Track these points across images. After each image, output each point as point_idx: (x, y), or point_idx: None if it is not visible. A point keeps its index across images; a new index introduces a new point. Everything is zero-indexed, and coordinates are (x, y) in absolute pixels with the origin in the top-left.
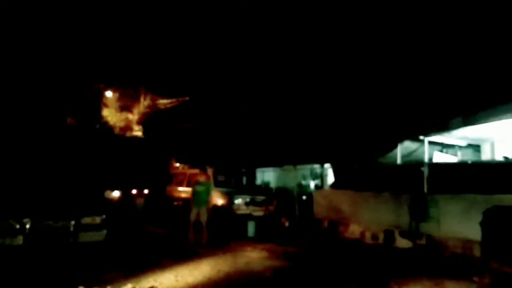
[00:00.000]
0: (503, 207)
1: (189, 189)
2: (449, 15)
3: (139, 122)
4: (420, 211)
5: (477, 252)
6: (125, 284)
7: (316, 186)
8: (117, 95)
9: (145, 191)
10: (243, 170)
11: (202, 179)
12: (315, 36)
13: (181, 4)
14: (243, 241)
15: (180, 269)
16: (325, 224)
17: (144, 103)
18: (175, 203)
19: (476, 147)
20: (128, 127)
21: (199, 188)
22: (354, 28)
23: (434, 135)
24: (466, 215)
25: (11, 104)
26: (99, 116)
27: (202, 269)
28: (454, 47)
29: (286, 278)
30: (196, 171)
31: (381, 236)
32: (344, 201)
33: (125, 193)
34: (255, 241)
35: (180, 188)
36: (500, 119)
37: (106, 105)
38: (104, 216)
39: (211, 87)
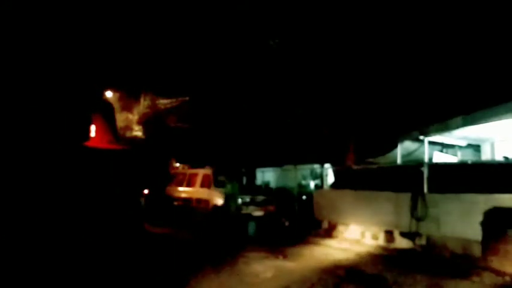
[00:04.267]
0: (503, 208)
1: (189, 189)
2: (448, 14)
3: (139, 122)
4: (420, 211)
5: (477, 252)
6: None
7: (316, 186)
8: (117, 95)
9: (145, 191)
10: (243, 170)
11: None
12: (315, 37)
13: (182, 4)
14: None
15: None
16: (325, 224)
17: (144, 103)
18: (176, 203)
19: (476, 147)
20: (127, 127)
21: None
22: (354, 29)
23: (434, 135)
24: (466, 215)
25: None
26: None
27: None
28: (454, 47)
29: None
30: (196, 171)
31: (381, 236)
32: (344, 201)
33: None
34: (255, 242)
35: (180, 188)
36: (500, 119)
37: None
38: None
39: (212, 87)
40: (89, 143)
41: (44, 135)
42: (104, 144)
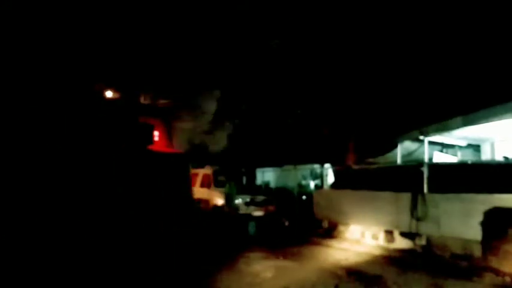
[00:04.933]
0: (503, 208)
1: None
2: (448, 14)
3: None
4: (420, 211)
5: (477, 252)
6: None
7: (316, 186)
8: (117, 95)
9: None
10: (243, 170)
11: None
12: (316, 37)
13: (182, 5)
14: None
15: None
16: (325, 224)
17: (144, 103)
18: None
19: (476, 147)
20: None
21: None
22: (354, 30)
23: (434, 135)
24: (466, 215)
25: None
26: None
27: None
28: (453, 47)
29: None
30: (197, 171)
31: (381, 236)
32: (344, 201)
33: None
34: (256, 242)
35: None
36: (500, 119)
37: None
38: None
39: (212, 87)
40: (152, 147)
41: (114, 139)
42: (164, 148)
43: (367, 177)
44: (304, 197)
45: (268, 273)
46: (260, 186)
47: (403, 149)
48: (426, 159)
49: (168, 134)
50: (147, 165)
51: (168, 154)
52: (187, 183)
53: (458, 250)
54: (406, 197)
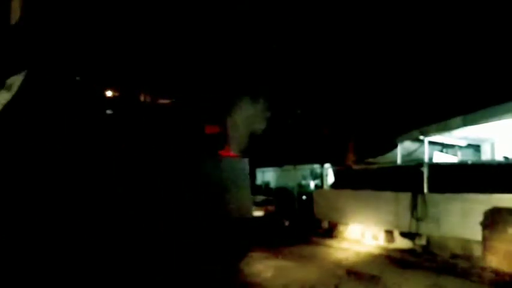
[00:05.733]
0: (503, 208)
1: None
2: (448, 14)
3: None
4: (420, 211)
5: (477, 252)
6: None
7: (316, 186)
8: (117, 95)
9: None
10: None
11: None
12: (316, 37)
13: (181, 4)
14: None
15: None
16: (325, 224)
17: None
18: None
19: (476, 147)
20: None
21: None
22: (354, 30)
23: (434, 135)
24: (466, 215)
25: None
26: None
27: None
28: (453, 47)
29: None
30: None
31: (381, 236)
32: (344, 201)
33: None
34: (255, 242)
35: None
36: (500, 119)
37: None
38: None
39: (212, 88)
40: (223, 152)
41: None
42: (230, 153)
43: (367, 177)
44: (304, 197)
45: (268, 273)
46: (260, 186)
47: (403, 149)
48: (426, 159)
49: (227, 139)
50: (219, 169)
51: (234, 159)
52: (248, 187)
53: (458, 250)
54: (406, 197)
